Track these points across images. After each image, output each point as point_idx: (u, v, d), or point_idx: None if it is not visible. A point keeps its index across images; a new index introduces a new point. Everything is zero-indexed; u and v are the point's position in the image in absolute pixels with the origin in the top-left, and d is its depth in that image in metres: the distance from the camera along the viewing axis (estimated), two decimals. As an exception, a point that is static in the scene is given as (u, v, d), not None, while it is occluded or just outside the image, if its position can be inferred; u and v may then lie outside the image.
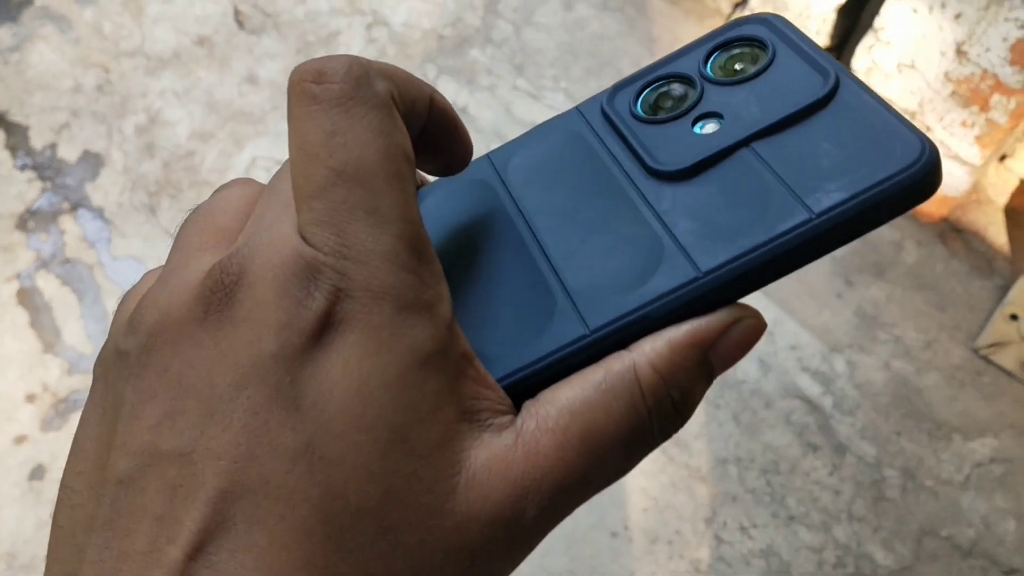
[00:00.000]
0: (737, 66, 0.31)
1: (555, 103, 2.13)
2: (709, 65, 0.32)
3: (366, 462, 0.22)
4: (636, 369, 0.26)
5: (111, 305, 1.74)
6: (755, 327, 0.26)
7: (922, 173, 0.26)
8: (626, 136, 0.31)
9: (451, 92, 2.12)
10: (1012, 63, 1.72)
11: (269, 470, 0.21)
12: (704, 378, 0.26)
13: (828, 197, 0.27)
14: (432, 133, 0.28)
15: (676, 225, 0.28)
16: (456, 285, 0.29)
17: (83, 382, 1.66)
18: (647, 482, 1.66)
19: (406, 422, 0.23)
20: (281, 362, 0.22)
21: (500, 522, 0.23)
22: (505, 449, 0.24)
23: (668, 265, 0.27)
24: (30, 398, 1.64)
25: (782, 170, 0.28)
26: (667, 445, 1.70)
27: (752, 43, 0.32)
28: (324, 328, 0.22)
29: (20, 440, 1.60)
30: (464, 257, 0.30)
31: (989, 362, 1.88)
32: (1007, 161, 2.03)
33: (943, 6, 1.76)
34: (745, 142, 0.29)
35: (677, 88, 0.32)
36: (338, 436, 0.22)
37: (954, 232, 2.06)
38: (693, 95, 0.31)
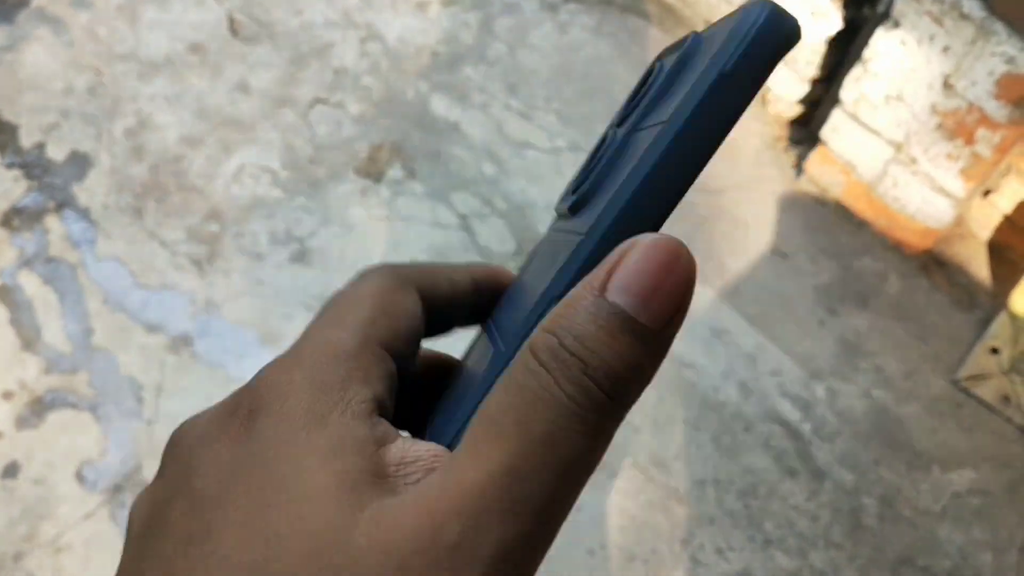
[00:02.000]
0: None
1: (546, 124, 2.14)
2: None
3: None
4: (529, 342, 0.24)
5: (92, 306, 1.73)
6: (655, 244, 0.23)
7: (765, 21, 0.24)
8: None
9: (443, 108, 2.13)
10: (997, 97, 1.74)
11: None
12: (611, 317, 0.23)
13: (687, 94, 0.25)
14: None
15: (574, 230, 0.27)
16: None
17: (60, 382, 1.65)
18: (625, 501, 1.65)
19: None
20: None
21: (413, 548, 0.22)
22: (421, 487, 0.24)
23: (563, 256, 0.26)
24: (6, 395, 1.62)
25: (653, 119, 0.27)
26: (646, 465, 1.70)
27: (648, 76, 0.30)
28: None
29: (-7, 437, 1.59)
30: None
31: (969, 394, 1.89)
32: (991, 196, 2.05)
33: (931, 39, 1.78)
34: (623, 129, 0.28)
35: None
36: None
37: (937, 265, 2.07)
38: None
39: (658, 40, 2.35)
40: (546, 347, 0.24)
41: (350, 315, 0.29)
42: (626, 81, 2.24)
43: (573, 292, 0.24)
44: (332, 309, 0.29)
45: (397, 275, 0.30)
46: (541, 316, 0.25)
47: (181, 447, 0.27)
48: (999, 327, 1.92)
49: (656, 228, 0.25)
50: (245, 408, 0.26)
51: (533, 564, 0.24)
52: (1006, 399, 1.87)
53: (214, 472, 0.25)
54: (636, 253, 0.23)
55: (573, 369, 0.23)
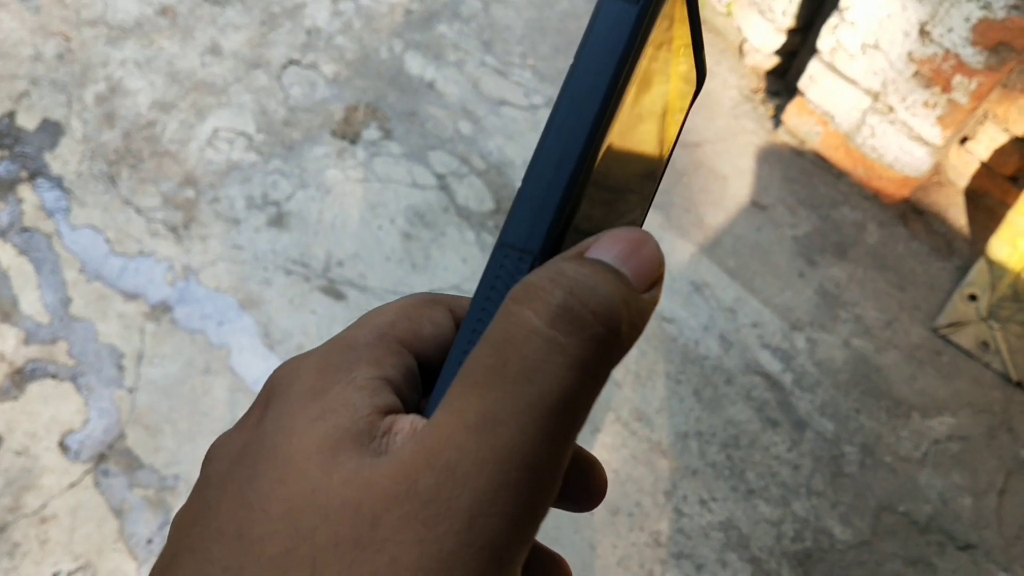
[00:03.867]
0: None
1: (522, 80, 2.13)
2: None
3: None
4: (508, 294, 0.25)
5: (69, 275, 1.72)
6: (623, 230, 0.25)
7: None
8: None
9: (418, 67, 2.10)
10: (974, 43, 1.74)
11: None
12: (595, 262, 0.25)
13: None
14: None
15: None
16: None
17: (40, 352, 1.64)
18: (608, 455, 1.67)
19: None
20: None
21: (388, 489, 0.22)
22: (398, 447, 0.24)
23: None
24: (-15, 368, 1.62)
25: None
26: (628, 419, 1.71)
27: None
28: None
29: (-26, 410, 1.58)
30: None
31: (948, 341, 1.90)
32: (968, 143, 2.05)
33: (907, -14, 1.77)
34: None
35: None
36: None
37: (915, 213, 2.08)
38: None
39: (634, -7, 2.32)
40: (523, 288, 0.24)
41: (371, 319, 0.29)
42: (602, 35, 2.22)
43: (549, 265, 0.24)
44: (358, 320, 0.29)
45: (429, 295, 0.30)
46: (497, 265, 0.25)
47: (212, 446, 0.27)
48: (977, 274, 1.93)
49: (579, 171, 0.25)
50: (261, 400, 0.27)
51: (524, 517, 0.23)
52: (984, 345, 1.89)
53: (225, 458, 0.26)
54: (606, 235, 0.25)
55: (554, 295, 0.23)
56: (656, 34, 0.27)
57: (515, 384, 0.22)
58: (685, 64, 0.32)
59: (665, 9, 0.27)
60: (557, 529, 1.59)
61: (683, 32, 0.30)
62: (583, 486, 0.30)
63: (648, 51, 0.27)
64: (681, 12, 0.29)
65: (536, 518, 0.23)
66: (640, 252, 0.25)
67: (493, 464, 0.22)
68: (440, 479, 0.22)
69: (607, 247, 0.25)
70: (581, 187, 0.26)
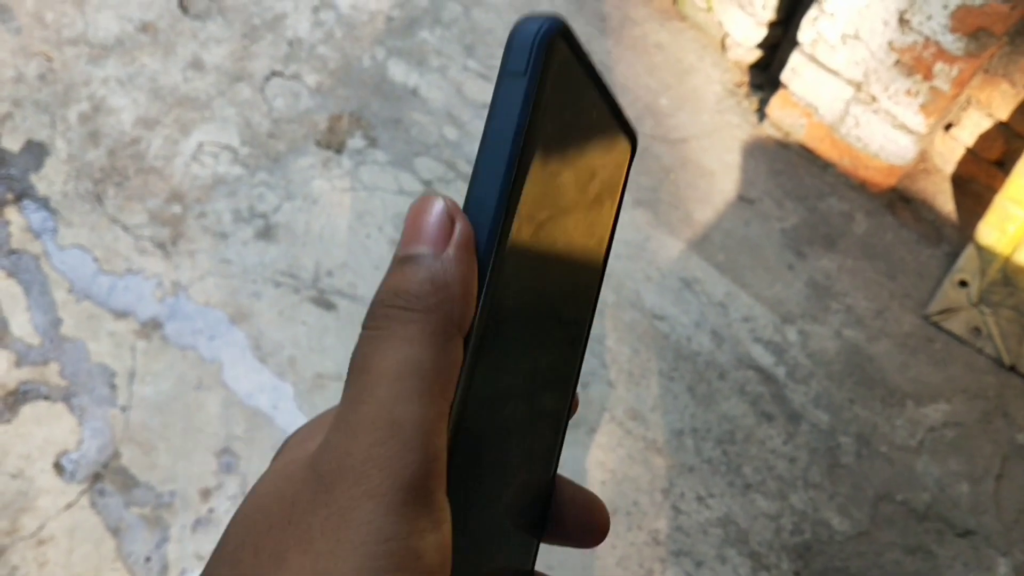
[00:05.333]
0: None
1: (505, 83, 2.12)
2: None
3: None
4: None
5: (59, 296, 1.72)
6: (414, 203, 0.28)
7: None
8: None
9: (401, 74, 2.10)
10: (953, 30, 1.74)
11: None
12: (392, 264, 0.28)
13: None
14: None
15: None
16: None
17: (32, 374, 1.64)
18: (604, 455, 1.67)
19: None
20: None
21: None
22: None
23: None
24: (-23, 391, 1.61)
25: None
26: (623, 418, 1.71)
27: None
28: None
29: (-33, 434, 1.58)
30: None
31: (940, 328, 1.91)
32: (952, 130, 2.05)
33: (884, -25, 1.77)
34: None
35: None
36: None
37: (903, 201, 2.08)
38: None
39: (614, -8, 2.32)
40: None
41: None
42: (583, 35, 2.22)
43: None
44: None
45: None
46: None
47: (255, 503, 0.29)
48: (966, 260, 1.93)
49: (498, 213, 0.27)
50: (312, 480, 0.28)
51: (403, 471, 0.25)
52: (976, 331, 1.89)
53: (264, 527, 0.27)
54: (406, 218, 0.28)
55: (372, 304, 0.27)
56: (565, 117, 0.29)
57: (353, 383, 0.26)
58: (607, 135, 0.33)
59: (572, 82, 0.29)
60: (555, 531, 1.59)
61: (596, 101, 0.31)
62: (585, 525, 0.34)
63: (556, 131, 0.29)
64: (588, 92, 0.31)
65: (413, 479, 0.25)
66: (421, 219, 0.27)
67: (365, 430, 0.25)
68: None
69: (402, 238, 0.28)
70: (500, 251, 0.27)
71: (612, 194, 0.35)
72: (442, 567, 0.25)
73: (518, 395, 0.30)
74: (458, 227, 0.27)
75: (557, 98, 0.28)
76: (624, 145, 0.35)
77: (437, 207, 0.27)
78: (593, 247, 0.34)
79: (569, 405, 0.35)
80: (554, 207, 0.30)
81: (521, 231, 0.28)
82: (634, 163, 0.35)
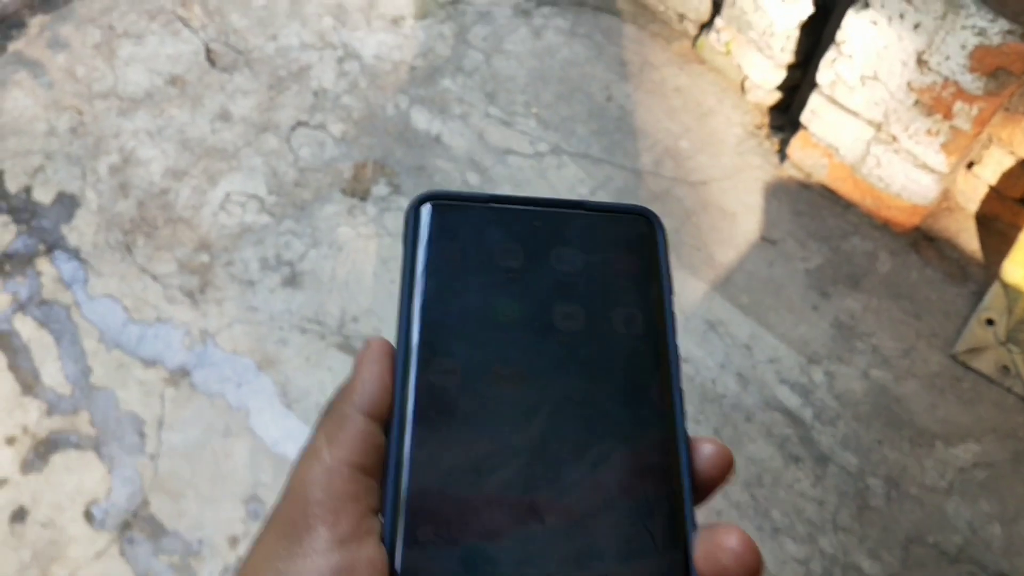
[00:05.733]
0: None
1: (527, 129, 2.15)
2: None
3: None
4: None
5: (89, 345, 1.74)
6: None
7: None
8: None
9: (424, 122, 2.13)
10: (971, 70, 1.75)
11: None
12: None
13: None
14: None
15: None
16: None
17: (62, 423, 1.66)
18: (631, 500, 1.66)
19: None
20: None
21: None
22: None
23: None
24: (10, 441, 1.63)
25: None
26: (649, 462, 1.70)
27: None
28: None
29: (0, 483, 1.60)
30: None
31: (967, 367, 1.89)
32: (975, 168, 2.05)
33: (901, 17, 1.79)
34: None
35: None
36: None
37: (927, 240, 2.08)
38: None
39: (633, 38, 2.35)
40: None
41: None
42: (603, 80, 2.25)
43: None
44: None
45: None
46: None
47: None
48: (992, 298, 1.92)
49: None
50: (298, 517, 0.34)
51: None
52: (1005, 369, 1.88)
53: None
54: None
55: None
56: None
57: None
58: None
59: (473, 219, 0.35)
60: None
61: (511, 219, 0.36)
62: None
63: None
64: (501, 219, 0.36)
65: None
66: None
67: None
68: None
69: None
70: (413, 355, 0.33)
71: (648, 278, 0.35)
72: None
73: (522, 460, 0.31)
74: (370, 346, 0.34)
75: (448, 240, 0.34)
76: (623, 226, 0.36)
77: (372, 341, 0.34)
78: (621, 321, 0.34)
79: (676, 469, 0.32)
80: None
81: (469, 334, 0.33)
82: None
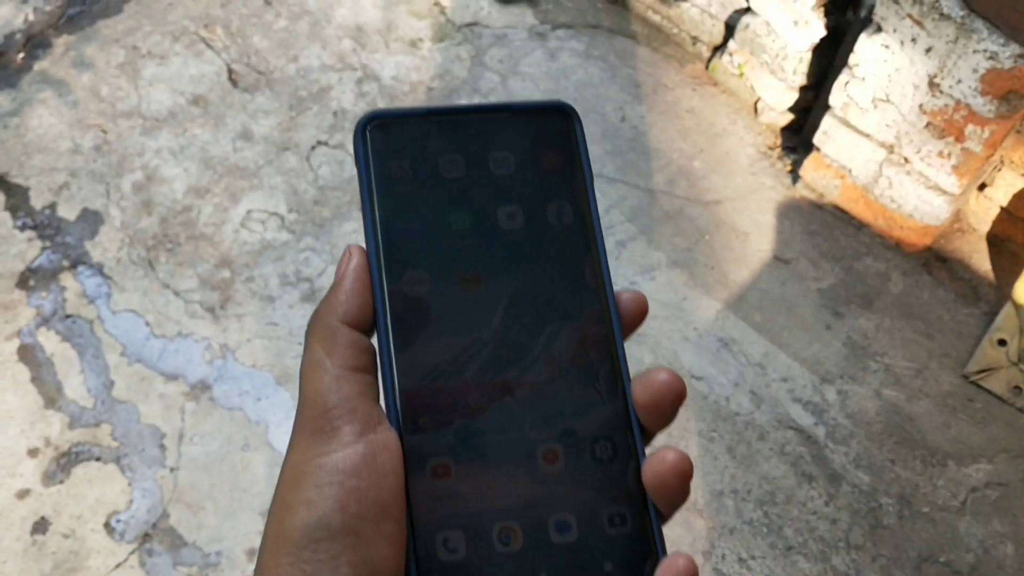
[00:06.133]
0: None
1: (543, 149, 2.18)
2: None
3: None
4: None
5: (111, 359, 1.77)
6: None
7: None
8: None
9: (441, 141, 2.16)
10: (983, 93, 1.77)
11: None
12: None
13: None
14: None
15: None
16: None
17: (84, 436, 1.69)
18: (644, 516, 1.67)
19: None
20: None
21: None
22: None
23: None
24: (32, 453, 1.66)
25: None
26: (663, 479, 1.72)
27: None
28: None
29: (23, 494, 1.62)
30: None
31: (979, 387, 1.90)
32: (987, 190, 2.07)
33: (914, 41, 1.81)
34: None
35: None
36: None
37: (939, 261, 2.09)
38: None
39: (647, 60, 2.38)
40: None
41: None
42: (617, 101, 2.28)
43: None
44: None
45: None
46: None
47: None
48: (1004, 319, 1.93)
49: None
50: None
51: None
52: (1017, 390, 1.89)
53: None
54: None
55: None
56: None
57: None
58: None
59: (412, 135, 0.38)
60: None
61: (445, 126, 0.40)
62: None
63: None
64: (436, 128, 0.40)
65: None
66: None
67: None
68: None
69: None
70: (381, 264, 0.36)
71: (572, 169, 0.39)
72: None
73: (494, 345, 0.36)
74: (350, 257, 0.37)
75: (396, 158, 0.37)
76: (548, 123, 0.40)
77: (344, 253, 0.38)
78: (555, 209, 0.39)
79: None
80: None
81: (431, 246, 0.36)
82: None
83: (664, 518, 0.36)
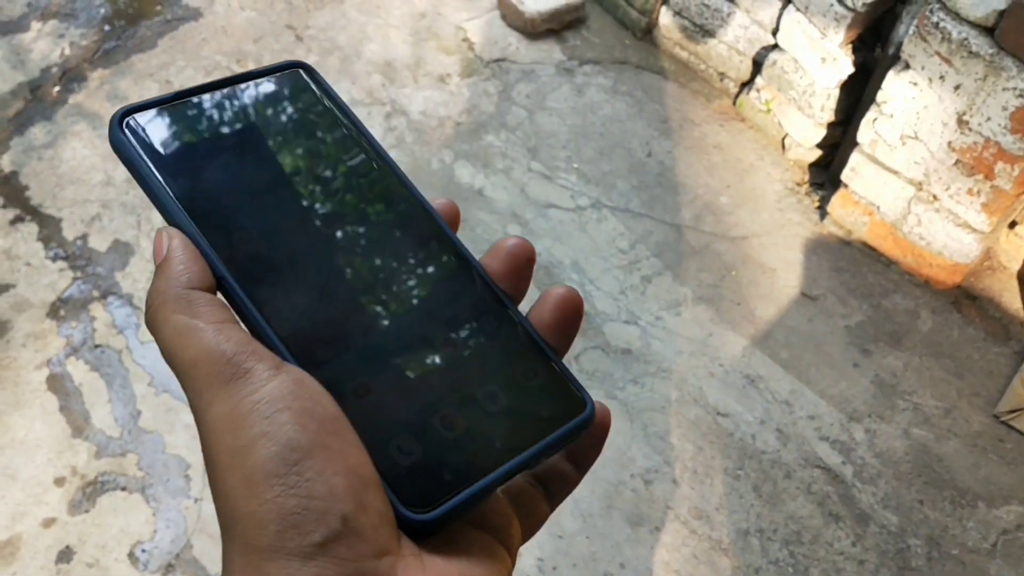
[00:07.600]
0: None
1: (568, 183, 2.19)
2: None
3: None
4: None
5: (139, 389, 1.78)
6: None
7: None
8: None
9: (467, 175, 2.18)
10: (1013, 131, 1.76)
11: None
12: None
13: None
14: None
15: None
16: None
17: (111, 465, 1.70)
18: (669, 555, 1.66)
19: None
20: None
21: None
22: None
23: None
24: (59, 482, 1.67)
25: None
26: (688, 517, 1.70)
27: None
28: None
29: (48, 523, 1.63)
30: None
31: (1010, 428, 1.88)
32: (1018, 228, 2.05)
33: (942, 79, 1.81)
34: None
35: None
36: None
37: (968, 299, 2.07)
38: None
39: (674, 95, 2.39)
40: None
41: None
42: (644, 136, 2.28)
43: None
44: None
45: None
46: None
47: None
48: (1036, 358, 1.91)
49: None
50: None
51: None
52: (1049, 431, 1.86)
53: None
54: None
55: None
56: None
57: None
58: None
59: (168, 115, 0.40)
60: (620, 631, 1.58)
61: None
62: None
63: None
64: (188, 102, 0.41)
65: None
66: (156, 251, 0.36)
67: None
68: None
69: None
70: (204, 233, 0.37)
71: (330, 113, 0.42)
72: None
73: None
74: (169, 237, 0.36)
75: (170, 140, 0.38)
76: (283, 82, 0.42)
77: (157, 238, 0.36)
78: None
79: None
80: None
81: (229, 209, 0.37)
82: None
83: (564, 349, 0.39)
